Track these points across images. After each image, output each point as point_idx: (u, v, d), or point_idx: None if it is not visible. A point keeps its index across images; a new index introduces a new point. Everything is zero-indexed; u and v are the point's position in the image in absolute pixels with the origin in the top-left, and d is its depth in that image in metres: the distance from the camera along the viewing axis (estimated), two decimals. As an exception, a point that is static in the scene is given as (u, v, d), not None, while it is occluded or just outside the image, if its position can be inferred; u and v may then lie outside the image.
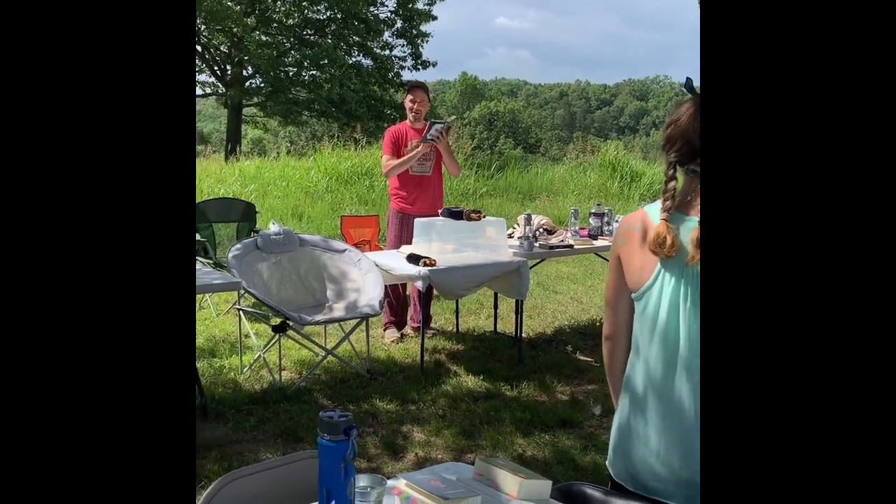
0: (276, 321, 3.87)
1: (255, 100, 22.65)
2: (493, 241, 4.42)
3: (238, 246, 4.10)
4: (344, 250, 4.38)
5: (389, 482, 1.36)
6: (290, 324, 3.79)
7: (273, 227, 4.32)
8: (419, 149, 4.62)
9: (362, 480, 1.29)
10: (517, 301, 4.50)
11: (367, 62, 22.82)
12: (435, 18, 23.37)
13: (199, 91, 22.92)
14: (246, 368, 4.08)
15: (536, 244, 4.50)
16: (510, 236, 4.72)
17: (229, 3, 20.28)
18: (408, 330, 4.87)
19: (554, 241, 4.68)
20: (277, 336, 3.91)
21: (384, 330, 4.81)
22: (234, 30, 20.18)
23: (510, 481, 1.41)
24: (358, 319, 4.02)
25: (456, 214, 4.41)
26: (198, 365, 3.71)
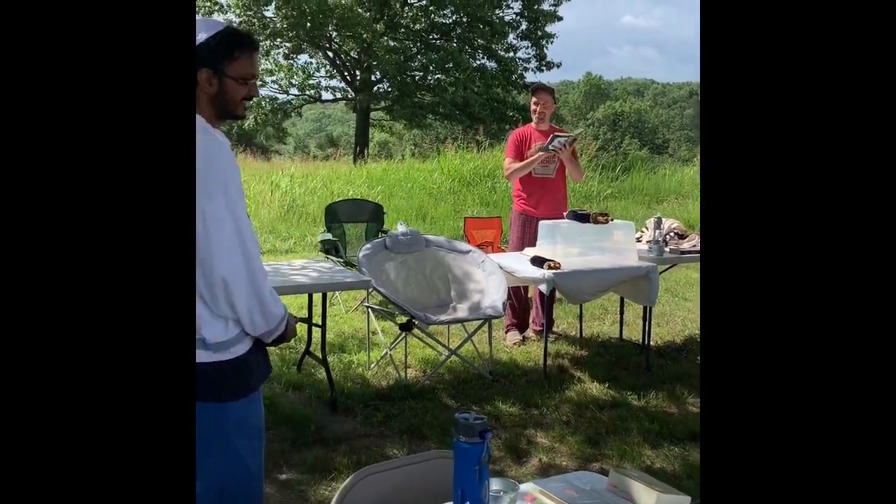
0: (403, 320, 3.95)
1: (382, 104, 23.34)
2: (621, 245, 4.30)
3: (368, 246, 4.23)
4: (468, 251, 4.41)
5: (522, 487, 1.35)
6: (416, 322, 3.86)
7: (401, 228, 4.42)
8: (540, 154, 4.57)
9: (495, 484, 1.29)
10: (645, 307, 4.36)
11: (491, 65, 22.93)
12: (560, 19, 23.15)
13: (329, 96, 23.93)
14: (373, 365, 4.19)
15: (667, 249, 4.34)
16: (638, 240, 4.58)
17: (359, 10, 21.00)
18: (530, 333, 4.84)
19: (686, 245, 4.49)
20: (403, 334, 4.00)
21: (506, 332, 4.80)
22: (364, 36, 20.88)
23: (646, 495, 1.36)
24: (481, 321, 4.04)
25: (582, 217, 4.33)
26: (329, 359, 3.85)
